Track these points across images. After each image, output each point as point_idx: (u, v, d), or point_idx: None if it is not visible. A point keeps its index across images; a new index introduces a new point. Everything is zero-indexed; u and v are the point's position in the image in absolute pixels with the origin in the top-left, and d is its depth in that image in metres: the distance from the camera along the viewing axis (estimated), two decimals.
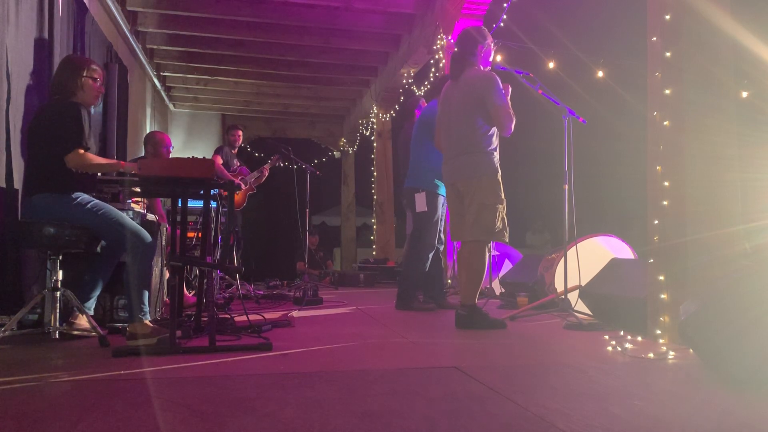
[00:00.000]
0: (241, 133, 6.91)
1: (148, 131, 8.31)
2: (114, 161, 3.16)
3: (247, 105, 10.64)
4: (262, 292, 5.67)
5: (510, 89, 3.64)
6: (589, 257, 4.17)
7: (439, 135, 3.91)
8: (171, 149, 4.92)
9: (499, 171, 3.56)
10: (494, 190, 3.50)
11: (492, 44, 3.83)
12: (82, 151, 2.96)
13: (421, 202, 4.48)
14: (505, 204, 3.54)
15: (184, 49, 8.04)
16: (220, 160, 6.35)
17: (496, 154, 3.58)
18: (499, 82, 3.54)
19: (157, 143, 4.76)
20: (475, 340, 3.10)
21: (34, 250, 3.29)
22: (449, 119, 3.70)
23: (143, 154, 4.92)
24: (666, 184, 2.98)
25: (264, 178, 6.75)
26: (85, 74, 3.13)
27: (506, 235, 3.54)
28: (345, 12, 6.91)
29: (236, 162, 6.70)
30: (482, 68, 3.72)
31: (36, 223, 2.90)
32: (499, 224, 3.48)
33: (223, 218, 6.23)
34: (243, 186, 6.51)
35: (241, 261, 6.36)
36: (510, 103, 3.57)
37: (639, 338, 2.97)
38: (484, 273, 3.59)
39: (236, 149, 6.86)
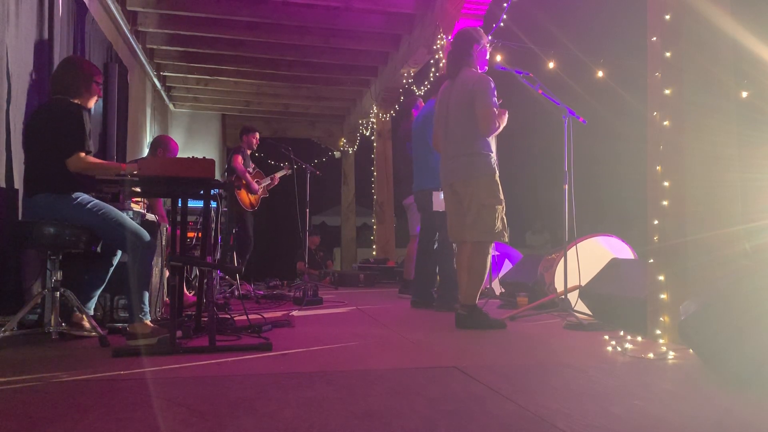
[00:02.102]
0: (258, 135, 6.74)
1: (148, 131, 8.32)
2: (115, 164, 3.16)
3: (247, 105, 10.63)
4: (262, 292, 5.68)
5: (506, 114, 3.63)
6: (589, 257, 4.17)
7: (437, 136, 3.91)
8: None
9: (497, 172, 3.56)
10: (492, 191, 3.50)
11: (488, 44, 3.84)
12: (83, 154, 2.96)
13: (438, 202, 4.49)
14: (504, 204, 3.54)
15: (184, 49, 8.03)
16: (240, 159, 6.26)
17: (494, 155, 3.58)
18: (493, 85, 3.54)
19: (169, 149, 4.77)
20: (475, 340, 3.10)
21: (34, 250, 3.29)
22: (447, 120, 3.71)
23: (146, 156, 4.93)
24: (666, 184, 2.98)
25: (273, 186, 6.74)
26: (93, 80, 3.20)
27: (506, 235, 3.55)
28: (345, 12, 6.90)
29: (251, 164, 6.62)
30: (478, 70, 3.72)
31: (36, 223, 2.90)
32: (498, 225, 3.49)
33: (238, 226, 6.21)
34: (259, 189, 6.46)
35: (241, 261, 6.33)
36: (504, 124, 3.57)
37: (639, 338, 2.97)
38: (485, 274, 3.59)
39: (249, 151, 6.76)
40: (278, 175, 6.70)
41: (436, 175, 4.58)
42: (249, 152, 6.57)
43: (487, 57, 3.84)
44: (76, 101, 3.09)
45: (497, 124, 3.52)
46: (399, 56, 7.75)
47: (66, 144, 2.95)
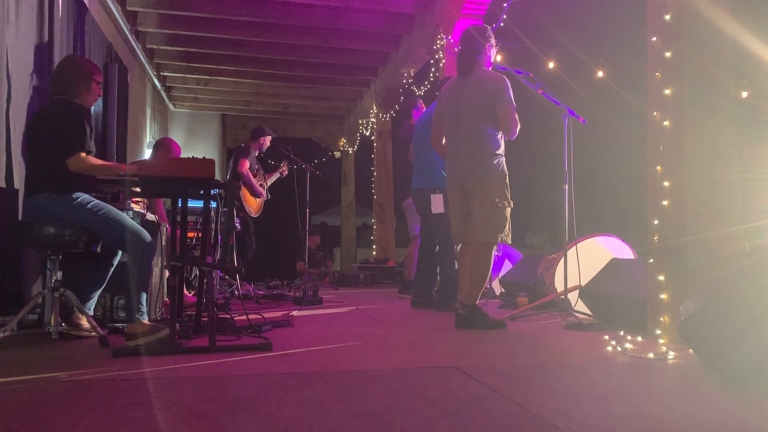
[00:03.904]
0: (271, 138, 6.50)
1: (148, 131, 8.32)
2: (115, 165, 3.16)
3: (247, 105, 10.64)
4: (262, 292, 5.68)
5: None
6: (589, 257, 4.17)
7: (437, 133, 3.90)
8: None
9: (507, 174, 3.57)
10: (504, 192, 3.51)
11: (494, 45, 3.84)
12: (83, 154, 2.96)
13: (438, 204, 4.49)
14: (512, 206, 3.55)
15: (184, 49, 8.04)
16: (247, 164, 6.07)
17: (503, 158, 3.59)
18: (510, 85, 3.54)
19: (171, 151, 4.78)
20: (475, 340, 3.10)
21: (34, 250, 3.29)
22: (458, 118, 3.66)
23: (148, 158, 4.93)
24: (666, 184, 2.98)
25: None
26: (93, 78, 3.20)
27: (509, 236, 3.55)
28: (345, 12, 6.91)
29: (257, 166, 6.51)
30: (490, 69, 3.72)
31: (36, 223, 2.90)
32: (507, 225, 3.50)
33: (238, 225, 6.16)
34: (264, 192, 6.38)
35: (240, 263, 6.31)
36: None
37: (639, 338, 2.97)
38: (488, 275, 3.59)
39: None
40: (273, 177, 6.62)
41: (434, 176, 4.58)
42: (257, 154, 6.39)
43: (492, 59, 3.84)
44: (77, 101, 3.09)
45: (519, 126, 3.53)
46: (399, 56, 7.75)
47: (66, 144, 2.95)
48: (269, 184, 6.49)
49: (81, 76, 3.14)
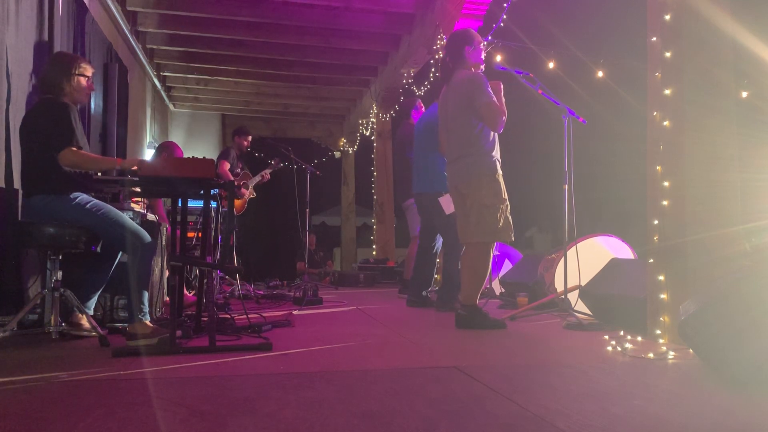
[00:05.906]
0: (251, 138, 6.97)
1: (148, 131, 8.32)
2: (110, 158, 3.14)
3: (247, 105, 10.63)
4: (262, 292, 5.68)
5: (502, 86, 3.61)
6: (589, 257, 4.17)
7: (441, 140, 3.96)
8: None
9: (499, 171, 3.55)
10: (494, 190, 3.50)
11: (482, 44, 3.83)
12: (74, 149, 2.94)
13: (448, 205, 4.49)
14: (507, 203, 3.53)
15: (184, 49, 8.03)
16: (227, 166, 6.31)
17: (495, 154, 3.57)
18: (485, 80, 3.54)
19: (173, 154, 4.78)
20: (475, 340, 3.10)
21: (34, 250, 3.29)
22: (447, 124, 3.75)
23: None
24: (666, 184, 2.98)
25: (264, 182, 6.76)
26: (75, 72, 3.09)
27: (511, 234, 3.54)
28: (345, 12, 6.91)
29: (239, 165, 6.68)
30: (470, 69, 3.70)
31: (36, 223, 2.90)
32: (501, 224, 3.47)
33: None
34: (246, 192, 6.49)
35: (240, 261, 6.35)
36: (504, 99, 3.56)
37: (639, 338, 2.97)
38: (486, 275, 3.58)
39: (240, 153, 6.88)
40: (267, 171, 6.73)
41: (436, 179, 4.59)
42: (238, 154, 6.69)
43: (483, 57, 3.83)
44: (64, 100, 3.04)
45: (503, 115, 3.49)
46: (399, 56, 7.75)
47: (55, 142, 2.93)
48: (251, 185, 6.65)
49: (60, 71, 3.08)
